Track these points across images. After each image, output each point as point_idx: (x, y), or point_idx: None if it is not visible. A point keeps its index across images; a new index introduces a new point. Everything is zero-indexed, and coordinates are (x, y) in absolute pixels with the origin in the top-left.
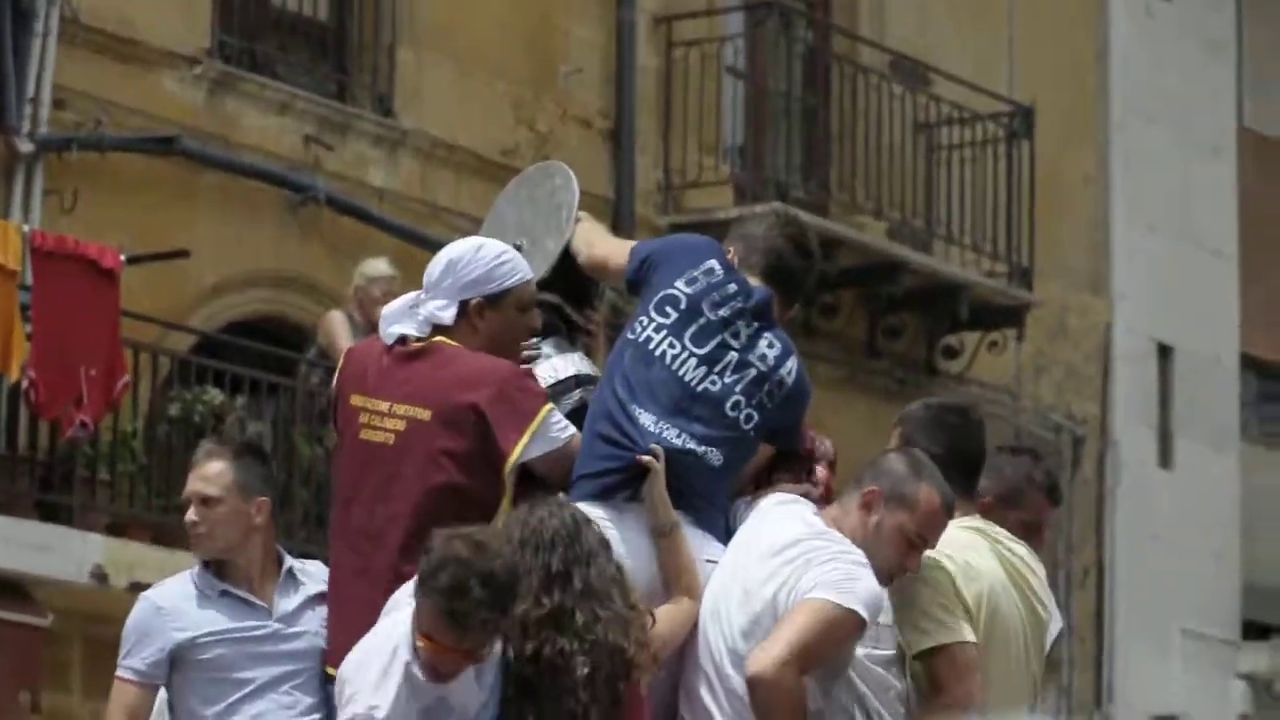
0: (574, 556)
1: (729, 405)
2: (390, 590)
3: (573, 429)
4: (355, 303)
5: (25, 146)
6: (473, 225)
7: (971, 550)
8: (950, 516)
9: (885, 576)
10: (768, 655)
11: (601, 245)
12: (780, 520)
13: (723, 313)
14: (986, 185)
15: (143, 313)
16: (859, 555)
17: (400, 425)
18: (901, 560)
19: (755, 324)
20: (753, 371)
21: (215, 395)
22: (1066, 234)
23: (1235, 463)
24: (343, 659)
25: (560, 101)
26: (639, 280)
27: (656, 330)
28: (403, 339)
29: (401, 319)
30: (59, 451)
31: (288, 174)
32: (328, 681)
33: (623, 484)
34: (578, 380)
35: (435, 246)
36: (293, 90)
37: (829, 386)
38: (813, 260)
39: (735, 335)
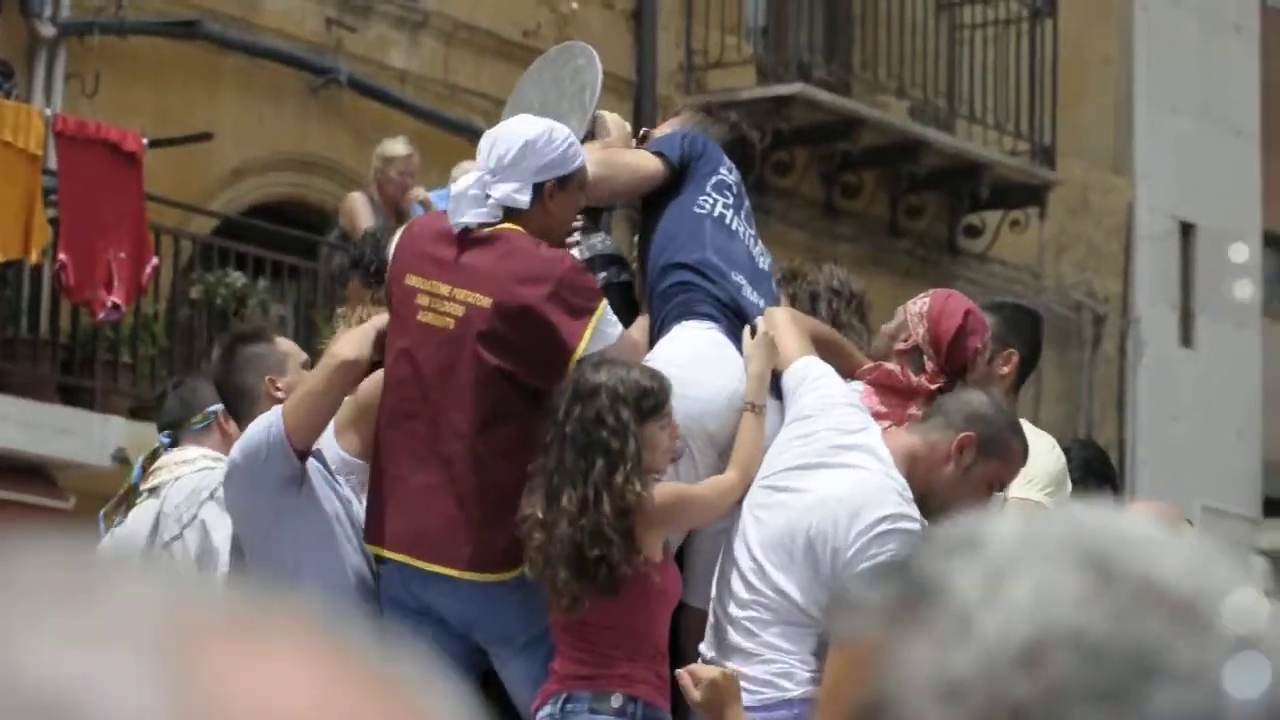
0: (574, 471)
1: (773, 284)
2: (452, 473)
3: (620, 326)
4: (375, 184)
5: (47, 30)
6: (493, 106)
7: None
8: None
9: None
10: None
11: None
12: (844, 417)
13: (748, 202)
14: (1009, 65)
15: (165, 196)
16: (915, 525)
17: (459, 310)
18: (978, 504)
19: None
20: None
21: (237, 278)
22: (1089, 114)
23: (1257, 341)
24: (385, 537)
25: None
26: (685, 164)
27: (725, 208)
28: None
29: (473, 207)
30: (80, 335)
31: (309, 56)
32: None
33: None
34: (604, 260)
35: (456, 128)
36: None
37: (851, 265)
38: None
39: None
